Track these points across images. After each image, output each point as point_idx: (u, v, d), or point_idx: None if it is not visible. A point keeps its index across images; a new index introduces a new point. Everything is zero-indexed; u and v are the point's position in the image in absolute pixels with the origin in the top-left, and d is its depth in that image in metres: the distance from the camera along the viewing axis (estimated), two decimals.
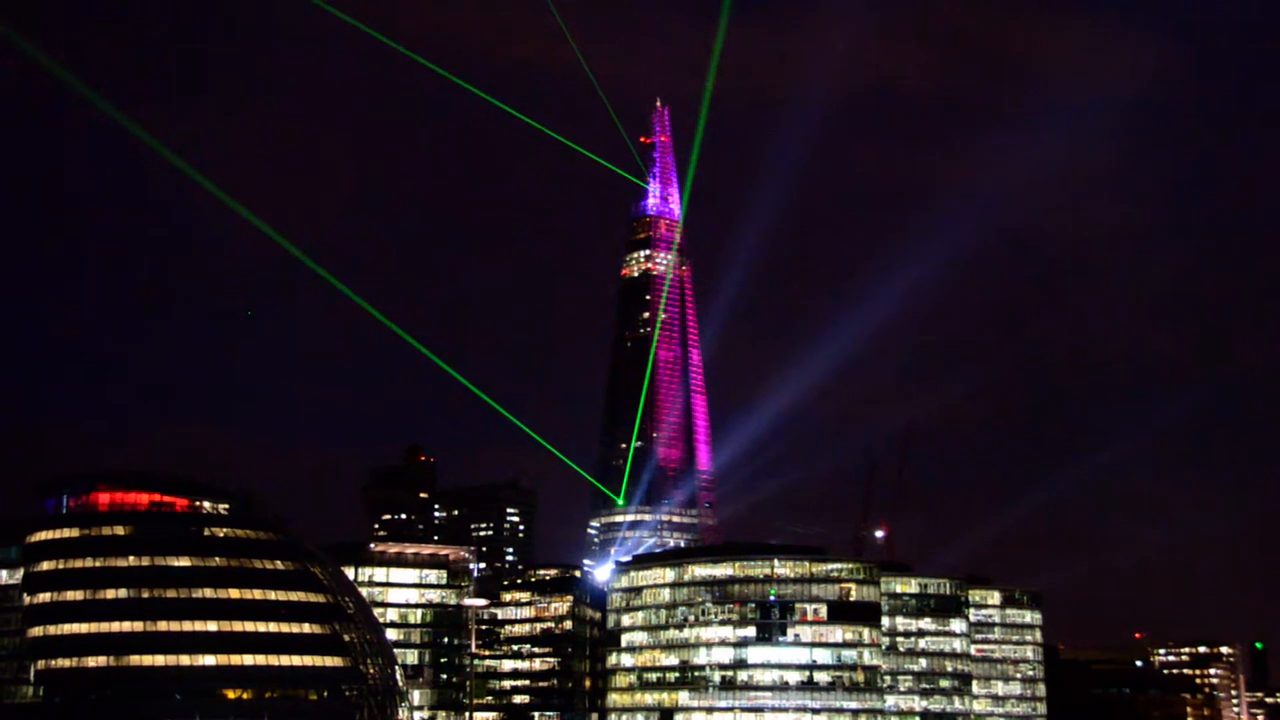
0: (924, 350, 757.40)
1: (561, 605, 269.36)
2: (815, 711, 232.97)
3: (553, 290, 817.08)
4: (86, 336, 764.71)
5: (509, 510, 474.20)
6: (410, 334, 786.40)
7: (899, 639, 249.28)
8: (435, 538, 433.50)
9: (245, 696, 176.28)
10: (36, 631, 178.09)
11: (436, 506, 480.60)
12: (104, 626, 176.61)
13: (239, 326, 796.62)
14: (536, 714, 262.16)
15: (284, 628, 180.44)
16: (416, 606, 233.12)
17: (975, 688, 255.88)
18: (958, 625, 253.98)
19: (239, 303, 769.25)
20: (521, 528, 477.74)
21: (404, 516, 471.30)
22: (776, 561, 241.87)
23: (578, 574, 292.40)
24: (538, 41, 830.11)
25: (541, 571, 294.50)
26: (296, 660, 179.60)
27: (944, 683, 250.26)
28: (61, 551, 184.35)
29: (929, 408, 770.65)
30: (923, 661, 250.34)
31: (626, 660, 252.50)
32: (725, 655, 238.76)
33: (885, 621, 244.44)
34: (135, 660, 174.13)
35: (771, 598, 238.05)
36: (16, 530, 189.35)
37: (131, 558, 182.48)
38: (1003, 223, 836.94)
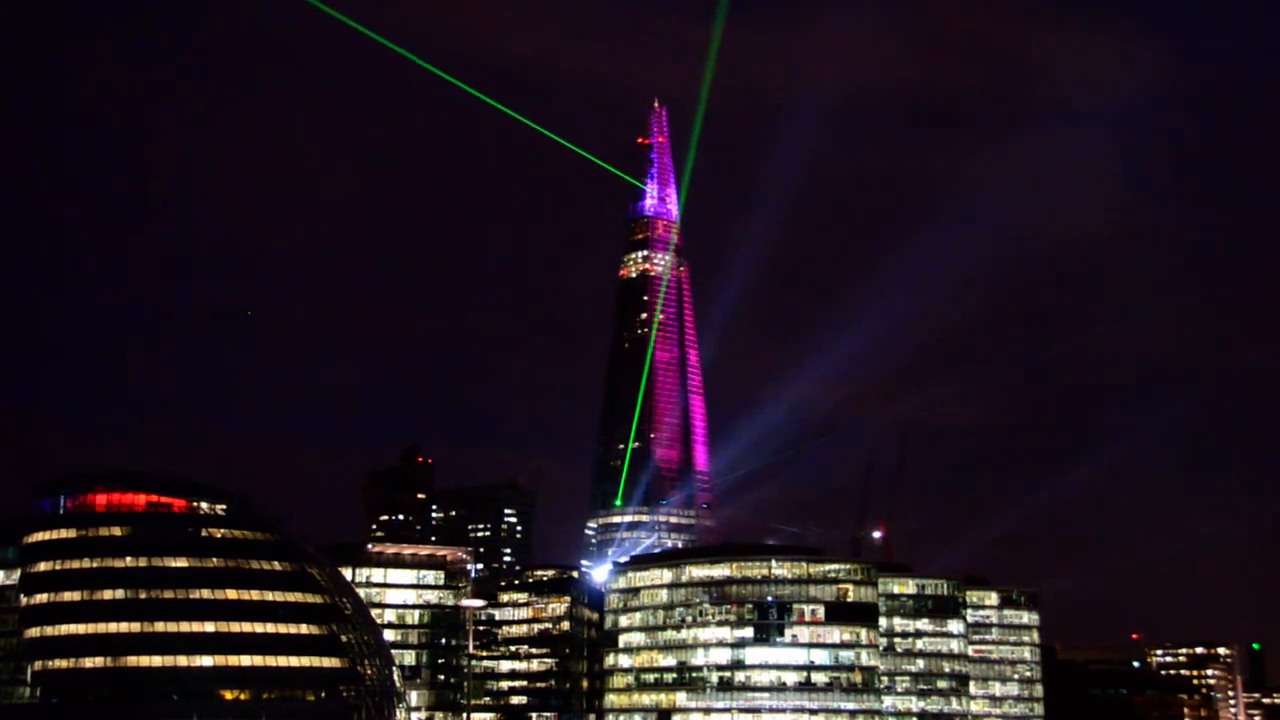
0: (923, 351, 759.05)
1: (559, 606, 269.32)
2: (813, 712, 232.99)
3: (550, 291, 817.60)
4: (84, 336, 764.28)
5: (507, 511, 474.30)
6: (408, 334, 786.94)
7: (896, 640, 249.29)
8: (433, 538, 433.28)
9: (242, 697, 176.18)
10: (33, 632, 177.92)
11: (434, 507, 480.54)
12: (101, 627, 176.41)
13: (238, 327, 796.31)
14: (534, 715, 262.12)
15: (281, 628, 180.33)
16: (414, 607, 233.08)
17: (972, 688, 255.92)
18: (955, 626, 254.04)
19: (238, 302, 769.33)
20: (519, 528, 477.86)
21: (402, 517, 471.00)
22: (774, 562, 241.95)
23: (575, 575, 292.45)
24: (535, 41, 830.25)
25: (539, 572, 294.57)
26: (294, 661, 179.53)
27: (941, 683, 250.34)
28: (58, 552, 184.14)
29: (927, 409, 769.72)
30: (920, 662, 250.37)
31: (624, 661, 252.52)
32: (723, 656, 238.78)
33: (883, 622, 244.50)
34: (132, 661, 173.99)
35: (769, 598, 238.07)
36: (13, 531, 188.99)
37: (129, 558, 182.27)
38: (1003, 224, 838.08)
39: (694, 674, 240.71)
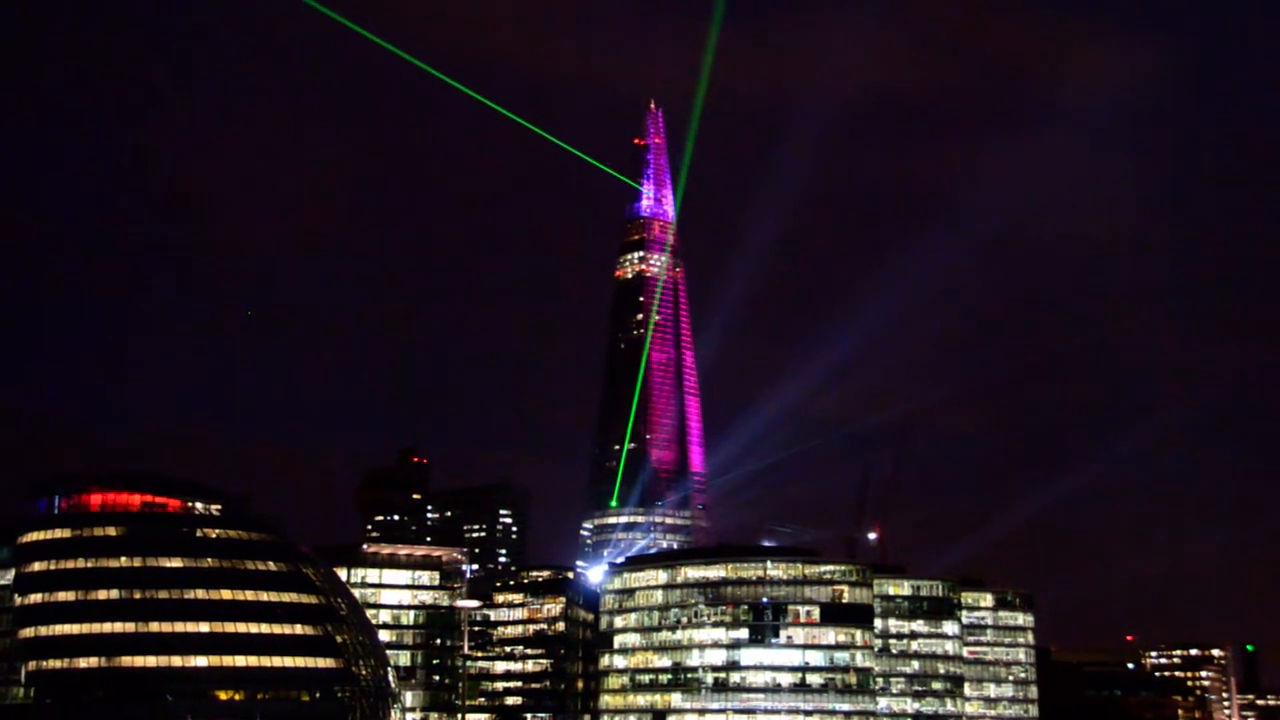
0: (920, 352, 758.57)
1: (554, 607, 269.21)
2: (808, 713, 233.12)
3: (547, 292, 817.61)
4: (80, 337, 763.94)
5: (502, 512, 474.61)
6: (404, 335, 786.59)
7: (891, 641, 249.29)
8: (428, 539, 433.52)
9: (237, 698, 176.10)
10: (28, 632, 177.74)
11: (430, 508, 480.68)
12: (96, 627, 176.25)
13: (234, 328, 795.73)
14: (529, 715, 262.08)
15: (276, 629, 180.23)
16: (409, 608, 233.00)
17: (967, 690, 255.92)
18: (950, 627, 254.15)
19: (235, 303, 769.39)
20: (514, 529, 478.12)
21: (397, 518, 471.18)
22: (769, 563, 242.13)
23: (570, 575, 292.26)
24: (532, 43, 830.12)
25: (534, 573, 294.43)
26: (289, 661, 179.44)
27: (936, 684, 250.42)
28: (53, 552, 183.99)
29: (924, 410, 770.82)
30: (915, 663, 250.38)
31: (619, 662, 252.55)
32: (718, 657, 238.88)
33: (878, 623, 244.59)
34: (127, 661, 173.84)
35: (764, 600, 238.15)
36: (8, 531, 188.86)
37: (123, 558, 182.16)
38: (1001, 226, 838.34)
39: (689, 675, 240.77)
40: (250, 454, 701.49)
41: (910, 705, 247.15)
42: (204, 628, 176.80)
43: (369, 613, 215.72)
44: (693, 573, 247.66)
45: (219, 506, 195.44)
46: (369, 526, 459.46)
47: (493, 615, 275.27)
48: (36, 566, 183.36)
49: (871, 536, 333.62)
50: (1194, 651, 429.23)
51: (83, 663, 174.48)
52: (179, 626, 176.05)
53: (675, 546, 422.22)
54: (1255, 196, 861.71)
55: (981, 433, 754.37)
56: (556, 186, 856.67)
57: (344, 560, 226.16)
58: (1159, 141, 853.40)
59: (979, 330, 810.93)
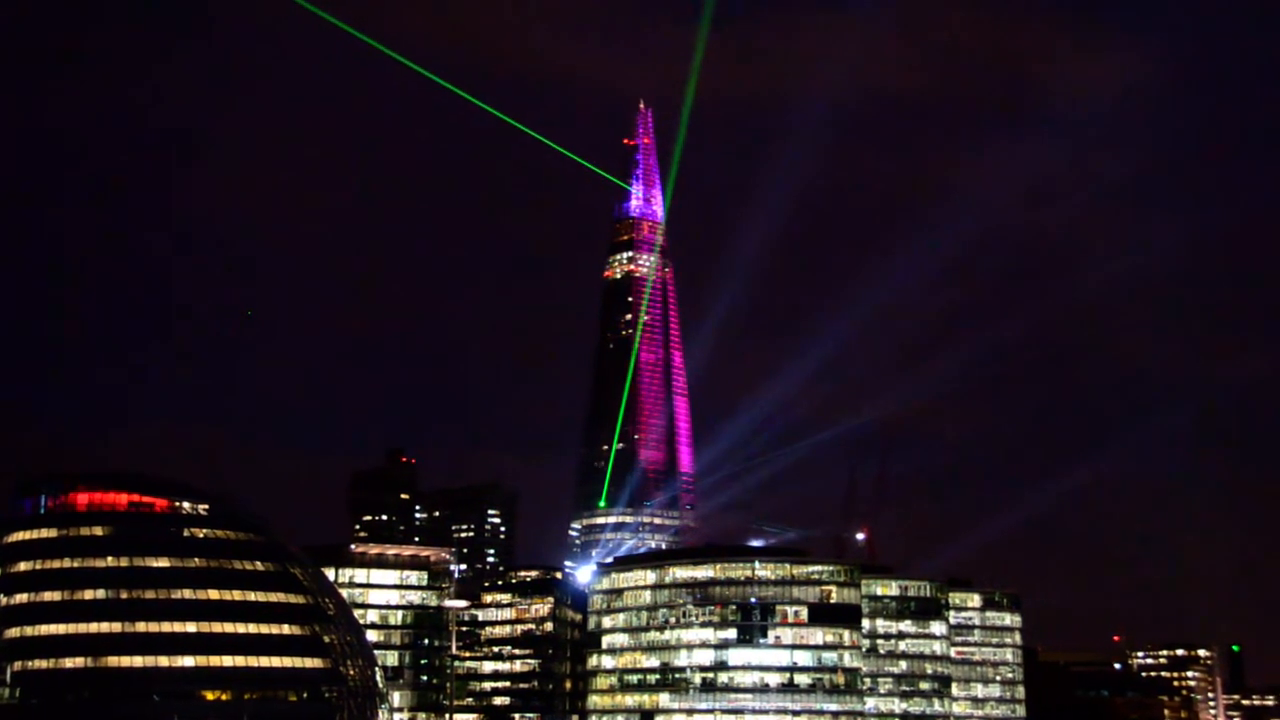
0: (910, 354, 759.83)
1: (542, 607, 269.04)
2: (795, 713, 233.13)
3: (535, 292, 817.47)
4: (67, 336, 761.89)
5: (490, 512, 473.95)
6: (392, 335, 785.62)
7: (879, 641, 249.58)
8: (416, 539, 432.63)
9: (224, 698, 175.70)
10: (13, 632, 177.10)
11: (418, 508, 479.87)
12: (82, 627, 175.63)
13: (223, 329, 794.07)
14: (517, 715, 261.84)
15: (263, 629, 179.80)
16: (397, 608, 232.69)
17: (955, 690, 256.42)
18: (938, 627, 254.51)
19: (226, 304, 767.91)
20: (503, 529, 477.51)
21: (385, 518, 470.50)
22: (757, 563, 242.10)
23: (559, 576, 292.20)
24: (521, 42, 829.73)
25: (522, 573, 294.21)
26: (276, 661, 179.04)
27: (924, 685, 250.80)
28: (39, 552, 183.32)
29: (913, 411, 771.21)
30: (903, 664, 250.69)
31: (607, 662, 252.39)
32: (706, 657, 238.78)
33: (865, 623, 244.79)
34: (113, 661, 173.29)
35: (752, 600, 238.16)
36: None
37: (110, 558, 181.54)
38: (993, 226, 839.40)
39: (677, 675, 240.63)
40: (237, 454, 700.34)
41: (898, 705, 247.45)
42: (191, 628, 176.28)
43: (357, 613, 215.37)
44: (681, 573, 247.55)
45: (206, 506, 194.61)
46: (357, 526, 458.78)
47: (481, 615, 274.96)
48: (22, 566, 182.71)
49: (860, 537, 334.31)
50: (1180, 652, 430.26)
51: (69, 663, 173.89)
52: (166, 626, 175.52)
53: (663, 546, 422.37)
54: (1254, 199, 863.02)
55: (970, 433, 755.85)
56: (545, 186, 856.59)
57: (332, 560, 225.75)
58: (1158, 140, 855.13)
59: (970, 330, 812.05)
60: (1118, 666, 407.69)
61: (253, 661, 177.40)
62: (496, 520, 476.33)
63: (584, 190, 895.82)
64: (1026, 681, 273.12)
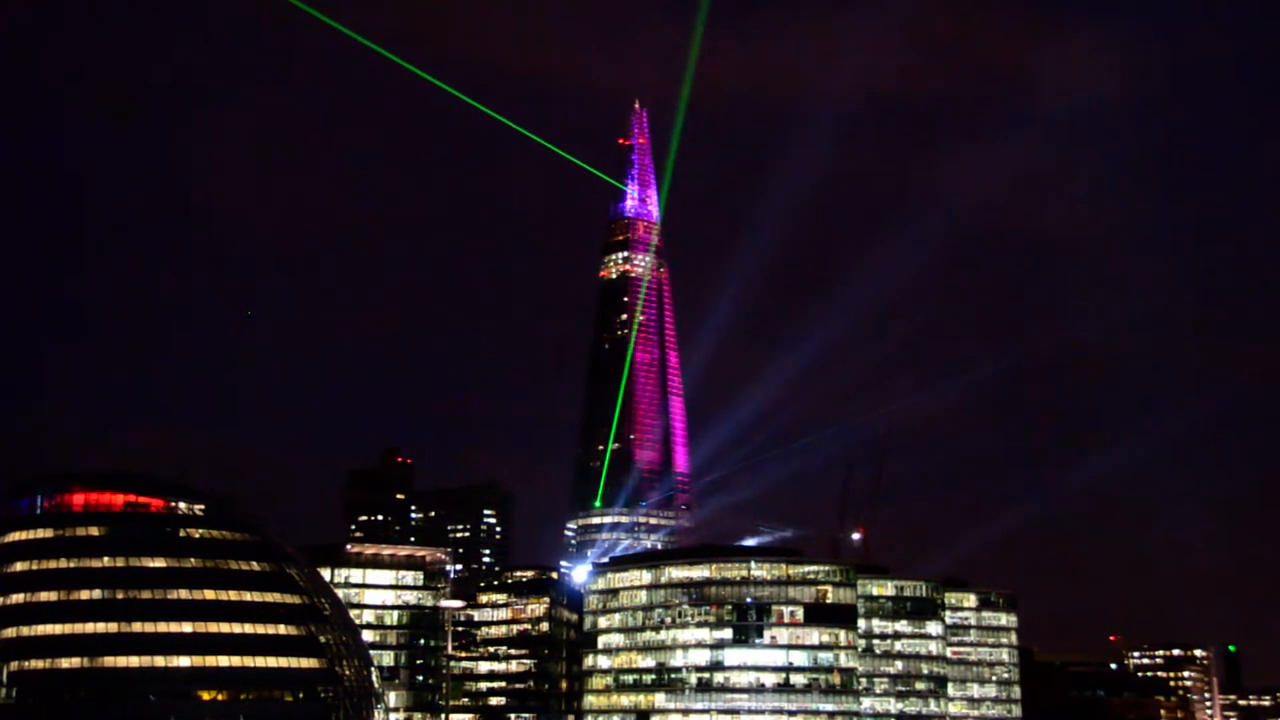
0: (905, 352, 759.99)
1: (538, 607, 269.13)
2: (791, 713, 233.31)
3: (531, 292, 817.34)
4: (67, 337, 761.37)
5: (486, 512, 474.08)
6: (389, 334, 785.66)
7: (875, 641, 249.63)
8: (412, 539, 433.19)
9: (220, 698, 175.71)
10: (10, 633, 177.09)
11: (414, 508, 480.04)
12: (78, 627, 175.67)
13: (218, 329, 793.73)
14: (513, 716, 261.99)
15: (259, 629, 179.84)
16: (393, 608, 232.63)
17: (951, 690, 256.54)
18: (933, 628, 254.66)
19: (226, 304, 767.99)
20: (498, 529, 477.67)
21: (381, 518, 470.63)
22: (753, 563, 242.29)
23: (554, 576, 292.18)
24: (516, 42, 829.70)
25: (518, 573, 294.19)
26: (272, 661, 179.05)
27: (920, 685, 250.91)
28: (35, 552, 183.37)
29: (909, 411, 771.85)
30: (899, 664, 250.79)
31: (603, 662, 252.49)
32: (702, 657, 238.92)
33: (861, 624, 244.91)
34: (110, 661, 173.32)
35: (748, 600, 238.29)
36: None
37: (106, 558, 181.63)
38: (991, 227, 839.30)
39: (673, 675, 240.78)
40: (233, 454, 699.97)
41: (894, 705, 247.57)
42: (187, 628, 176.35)
43: (352, 613, 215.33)
44: (677, 573, 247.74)
45: (202, 506, 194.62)
46: (353, 526, 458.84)
47: (476, 615, 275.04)
48: (18, 566, 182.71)
49: (855, 537, 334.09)
50: (1176, 652, 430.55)
51: (65, 663, 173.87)
52: (162, 627, 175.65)
53: (659, 547, 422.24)
54: (1254, 200, 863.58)
55: (966, 434, 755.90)
56: (541, 186, 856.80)
57: (328, 560, 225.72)
58: (1157, 140, 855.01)
59: (964, 330, 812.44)
60: (1114, 667, 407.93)
61: (249, 661, 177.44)
62: (492, 520, 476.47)
63: (579, 190, 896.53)
64: (1022, 682, 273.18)
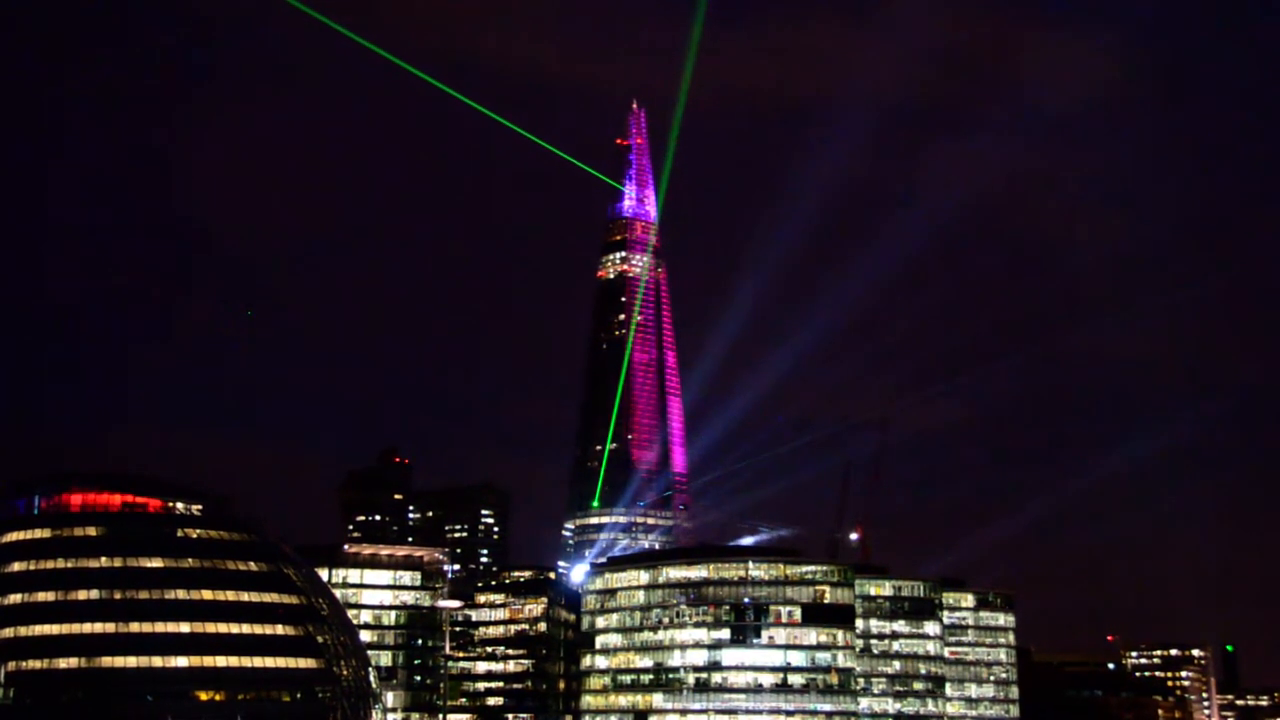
0: (903, 352, 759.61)
1: (536, 607, 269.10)
2: (789, 714, 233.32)
3: (529, 292, 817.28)
4: (66, 337, 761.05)
5: (484, 512, 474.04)
6: (386, 335, 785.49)
7: (873, 641, 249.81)
8: (410, 539, 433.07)
9: (218, 698, 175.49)
10: (7, 633, 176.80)
11: (411, 508, 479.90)
12: (76, 628, 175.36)
13: (214, 329, 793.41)
14: (510, 716, 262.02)
15: (257, 629, 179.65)
16: (390, 608, 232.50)
17: (949, 690, 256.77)
18: (931, 628, 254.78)
19: (226, 305, 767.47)
20: (496, 529, 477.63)
21: (378, 518, 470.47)
22: (751, 563, 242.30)
23: (552, 576, 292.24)
24: (514, 42, 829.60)
25: (516, 573, 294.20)
26: (270, 662, 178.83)
27: (917, 685, 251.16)
28: (33, 552, 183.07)
29: (908, 412, 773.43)
30: (896, 664, 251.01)
31: (601, 662, 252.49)
32: (699, 657, 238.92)
33: (859, 624, 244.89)
34: (107, 662, 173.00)
35: (746, 600, 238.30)
36: None
37: (103, 559, 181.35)
38: (992, 224, 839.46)
39: (670, 675, 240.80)
40: (231, 454, 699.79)
41: (891, 705, 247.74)
42: (185, 628, 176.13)
43: (350, 613, 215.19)
44: (674, 573, 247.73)
45: (200, 506, 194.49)
46: (350, 527, 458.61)
47: (474, 615, 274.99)
48: (16, 567, 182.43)
49: (853, 537, 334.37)
50: (1174, 652, 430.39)
51: (63, 663, 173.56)
52: (160, 627, 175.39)
53: (657, 547, 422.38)
54: (1253, 202, 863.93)
55: (966, 434, 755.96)
56: (538, 186, 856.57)
57: (325, 560, 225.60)
58: (1151, 141, 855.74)
59: (964, 330, 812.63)
60: (1111, 667, 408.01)
61: (246, 662, 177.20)
62: (490, 520, 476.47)
63: (577, 191, 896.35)
64: (1020, 682, 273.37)
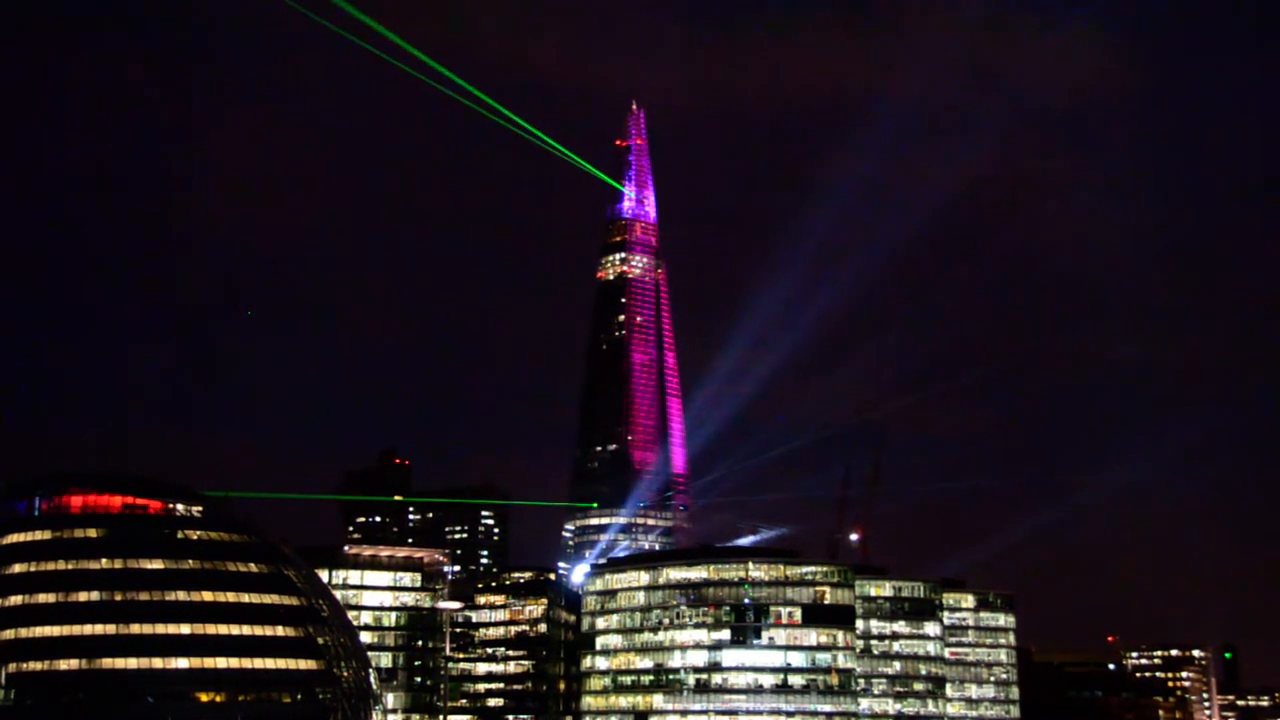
0: (903, 353, 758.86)
1: (536, 608, 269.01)
2: (789, 714, 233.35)
3: (528, 293, 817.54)
4: (66, 337, 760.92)
5: (484, 513, 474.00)
6: (386, 336, 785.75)
7: (873, 642, 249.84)
8: (410, 540, 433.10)
9: (218, 699, 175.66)
10: (8, 634, 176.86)
11: (411, 509, 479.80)
12: (76, 629, 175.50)
13: (213, 330, 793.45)
14: (511, 717, 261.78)
15: (257, 630, 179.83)
16: (391, 609, 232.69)
17: (949, 690, 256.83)
18: (931, 628, 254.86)
19: (223, 304, 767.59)
20: (496, 530, 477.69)
21: (379, 519, 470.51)
22: (751, 564, 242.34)
23: (552, 577, 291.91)
24: (514, 41, 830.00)
25: (516, 574, 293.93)
26: (270, 663, 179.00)
27: (918, 685, 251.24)
28: (33, 554, 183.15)
29: (909, 412, 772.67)
30: (897, 664, 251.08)
31: (601, 663, 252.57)
32: (699, 658, 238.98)
33: (859, 624, 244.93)
34: (108, 663, 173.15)
35: (746, 601, 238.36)
36: None
37: (104, 560, 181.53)
38: (992, 224, 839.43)
39: (671, 676, 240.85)
40: (231, 455, 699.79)
41: (892, 706, 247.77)
42: (185, 629, 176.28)
43: (350, 614, 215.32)
44: (674, 574, 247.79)
45: (200, 508, 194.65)
46: (350, 528, 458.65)
47: (474, 616, 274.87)
48: (16, 568, 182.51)
49: (854, 537, 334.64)
50: (1174, 652, 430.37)
51: (63, 665, 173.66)
52: (160, 628, 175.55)
53: (657, 547, 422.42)
54: (1251, 202, 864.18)
55: (966, 435, 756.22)
56: (538, 186, 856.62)
57: (325, 562, 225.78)
58: (1157, 139, 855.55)
59: (964, 331, 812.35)
60: (1112, 667, 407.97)
61: (247, 663, 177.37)
62: (490, 521, 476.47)
63: (577, 191, 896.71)
64: (1020, 682, 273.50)
